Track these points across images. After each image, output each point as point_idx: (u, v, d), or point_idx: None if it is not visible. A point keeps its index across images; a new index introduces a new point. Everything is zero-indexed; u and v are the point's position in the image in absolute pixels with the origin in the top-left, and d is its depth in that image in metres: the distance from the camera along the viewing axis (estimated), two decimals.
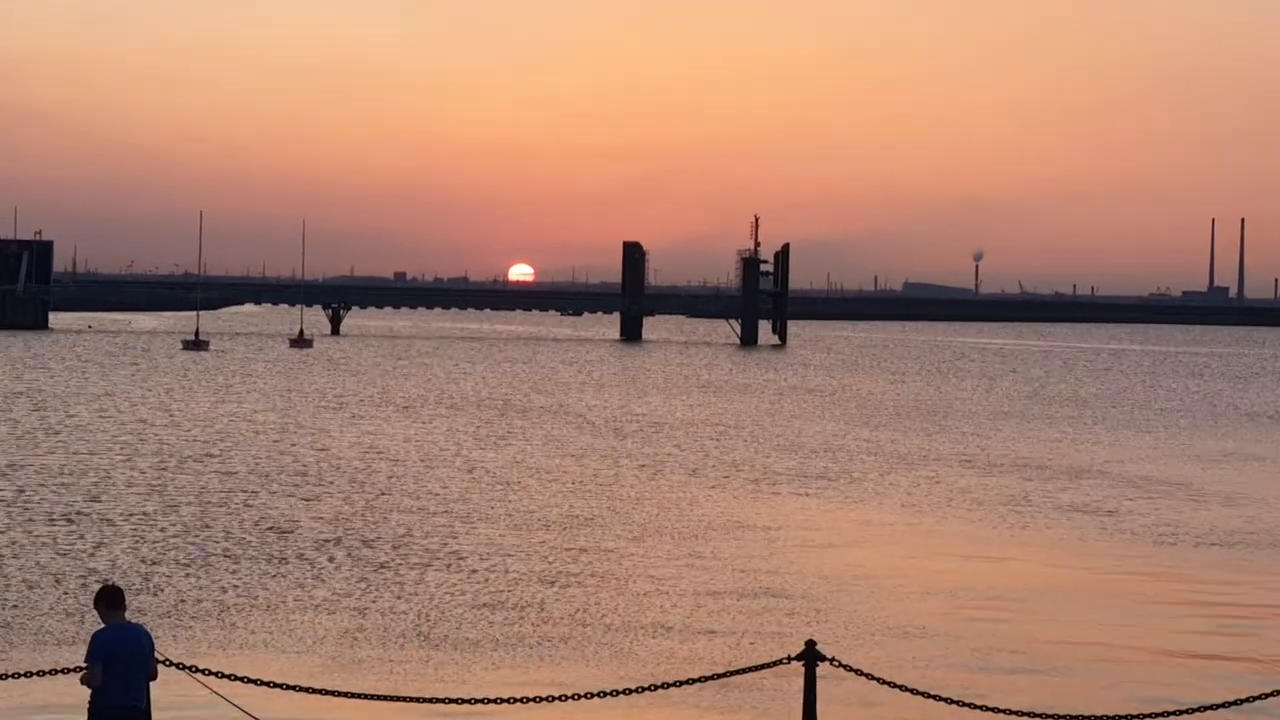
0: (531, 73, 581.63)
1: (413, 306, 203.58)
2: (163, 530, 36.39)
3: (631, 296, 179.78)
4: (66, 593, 28.90)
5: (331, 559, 33.31)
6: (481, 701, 17.71)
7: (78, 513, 38.67)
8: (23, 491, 42.27)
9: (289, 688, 17.22)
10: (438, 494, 44.15)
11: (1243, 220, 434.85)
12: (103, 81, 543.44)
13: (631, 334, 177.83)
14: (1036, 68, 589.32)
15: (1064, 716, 17.55)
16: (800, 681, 16.34)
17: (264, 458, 51.85)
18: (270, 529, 37.04)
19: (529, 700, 17.00)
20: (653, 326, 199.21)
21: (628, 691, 16.94)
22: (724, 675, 17.84)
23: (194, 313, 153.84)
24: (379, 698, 17.33)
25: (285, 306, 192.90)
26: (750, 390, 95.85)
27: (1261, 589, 32.69)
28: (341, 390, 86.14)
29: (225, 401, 75.82)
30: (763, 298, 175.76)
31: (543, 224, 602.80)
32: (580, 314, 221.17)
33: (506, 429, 65.21)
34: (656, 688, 17.67)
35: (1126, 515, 43.21)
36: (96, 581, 29.02)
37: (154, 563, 32.26)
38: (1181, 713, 17.19)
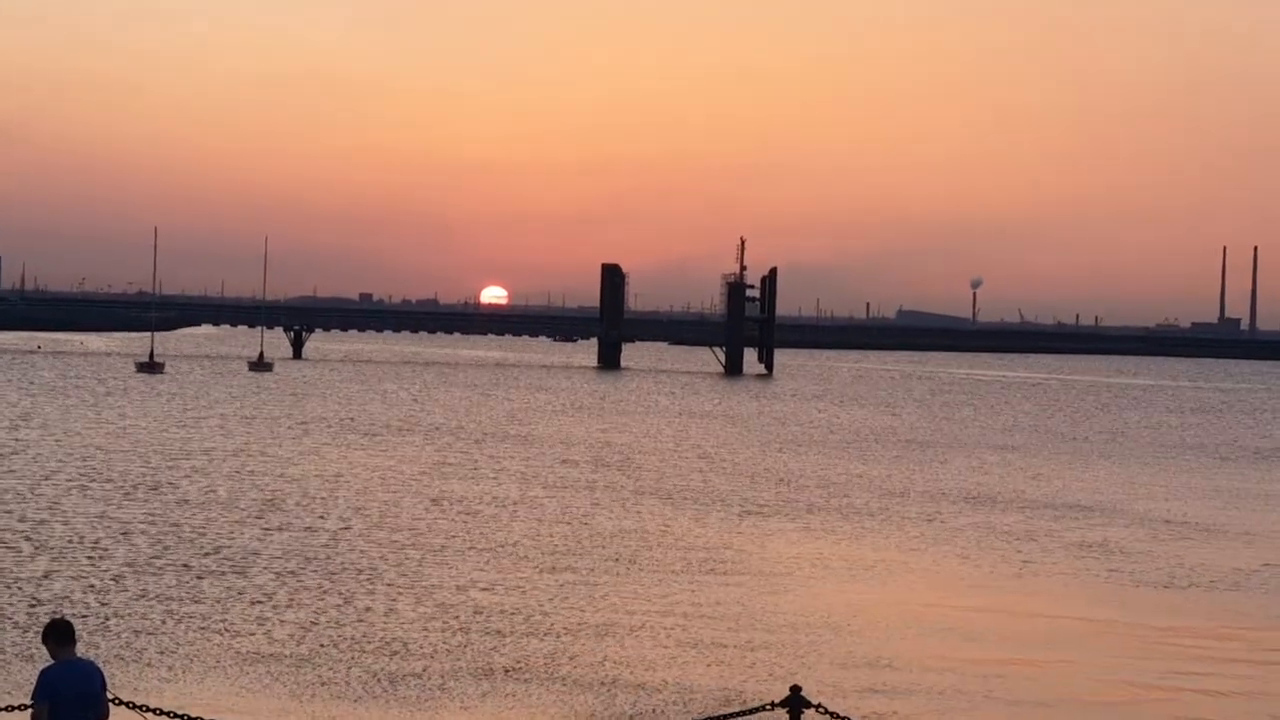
0: (505, 85, 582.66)
1: (379, 330, 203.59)
2: (115, 560, 36.28)
3: (610, 322, 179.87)
4: (13, 626, 28.79)
5: (293, 592, 33.23)
6: None
7: (25, 540, 38.55)
8: None
9: None
10: (405, 526, 44.08)
11: (1256, 248, 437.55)
12: (55, 90, 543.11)
13: (610, 361, 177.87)
14: (1039, 82, 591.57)
15: None
16: None
17: (221, 486, 51.76)
18: (228, 560, 36.96)
19: None
20: (632, 353, 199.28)
21: None
22: None
23: (149, 333, 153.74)
24: None
25: (244, 328, 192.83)
26: (735, 421, 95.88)
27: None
28: (303, 416, 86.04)
29: (181, 426, 75.69)
30: (749, 324, 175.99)
31: (517, 244, 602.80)
32: (574, 339, 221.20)
33: (478, 459, 65.15)
34: None
35: (1136, 556, 43.26)
36: (45, 614, 28.94)
37: (106, 595, 32.17)
38: None
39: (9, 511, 43.82)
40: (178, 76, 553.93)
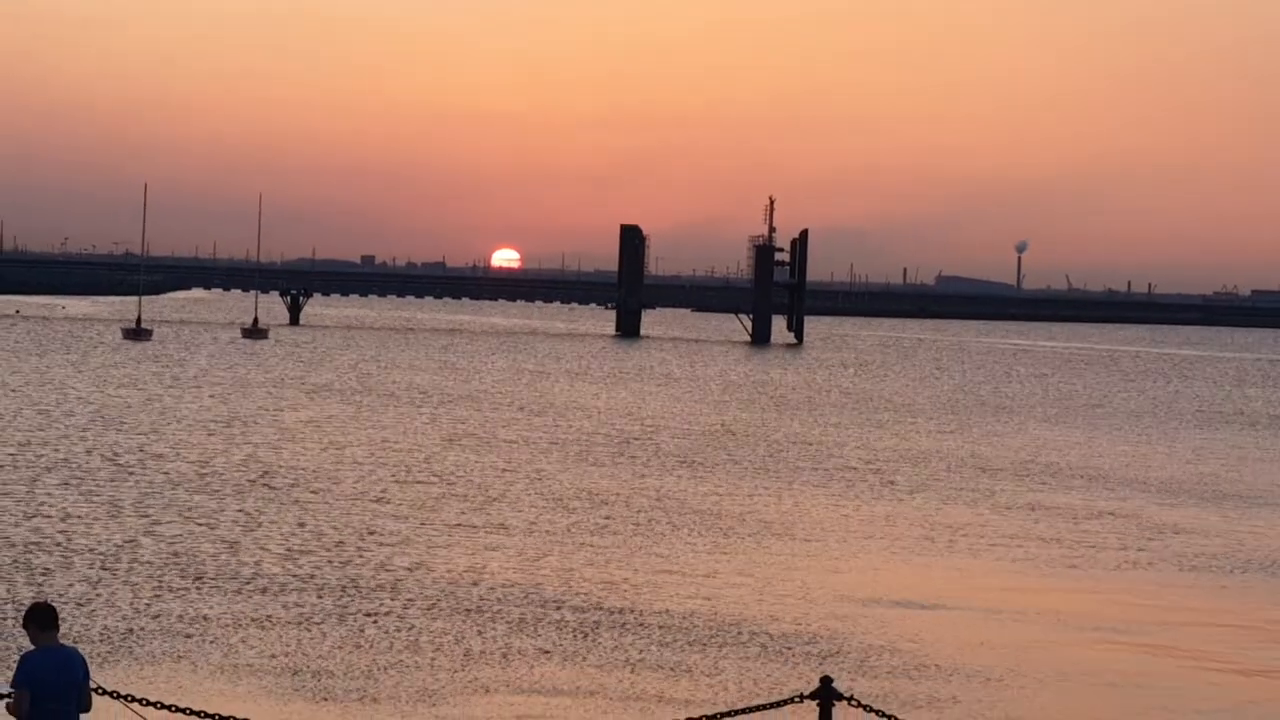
0: (520, 31, 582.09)
1: (382, 294, 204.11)
2: (101, 541, 36.27)
3: (629, 287, 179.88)
4: None
5: (291, 576, 33.20)
6: None
7: (3, 520, 38.58)
8: None
9: None
10: (411, 504, 44.06)
11: None
12: (34, 33, 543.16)
13: (629, 329, 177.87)
14: (1091, 29, 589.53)
15: None
16: None
17: (214, 461, 51.77)
18: (221, 541, 36.93)
19: None
20: (653, 321, 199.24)
21: None
22: (730, 714, 17.76)
23: (135, 297, 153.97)
24: None
25: (238, 292, 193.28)
26: (763, 391, 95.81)
27: None
28: (301, 386, 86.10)
29: (170, 398, 75.77)
30: (777, 290, 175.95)
31: (530, 203, 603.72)
32: (591, 305, 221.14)
33: (487, 433, 65.15)
34: None
35: (1205, 536, 43.16)
36: (26, 598, 28.95)
37: (90, 577, 32.15)
38: None
39: None
40: (168, 14, 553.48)
